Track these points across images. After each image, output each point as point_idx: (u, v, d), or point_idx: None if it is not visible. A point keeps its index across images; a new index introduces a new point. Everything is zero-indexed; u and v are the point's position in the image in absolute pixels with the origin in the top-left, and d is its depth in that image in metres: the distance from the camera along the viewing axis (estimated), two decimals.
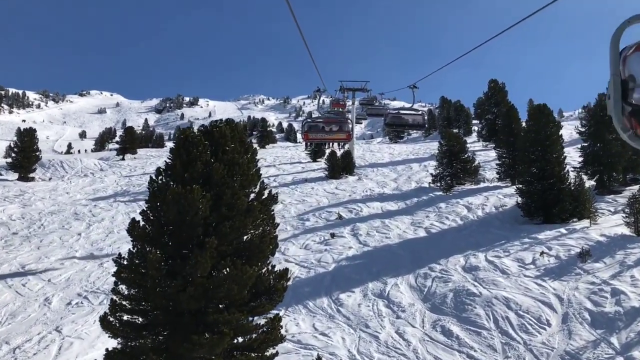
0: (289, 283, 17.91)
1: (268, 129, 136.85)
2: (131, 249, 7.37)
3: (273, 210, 8.49)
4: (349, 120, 19.45)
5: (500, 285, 15.45)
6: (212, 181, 7.21)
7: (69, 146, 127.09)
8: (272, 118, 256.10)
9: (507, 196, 25.76)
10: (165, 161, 8.02)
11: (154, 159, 50.82)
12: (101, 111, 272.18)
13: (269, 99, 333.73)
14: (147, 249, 7.00)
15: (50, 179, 40.11)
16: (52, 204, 30.13)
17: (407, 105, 39.95)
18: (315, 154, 45.39)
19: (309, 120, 19.26)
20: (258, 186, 8.15)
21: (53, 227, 25.57)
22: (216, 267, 7.07)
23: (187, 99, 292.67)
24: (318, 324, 14.46)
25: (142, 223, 7.36)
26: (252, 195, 7.99)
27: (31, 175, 40.50)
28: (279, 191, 31.74)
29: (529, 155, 22.07)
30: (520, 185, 22.24)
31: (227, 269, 6.99)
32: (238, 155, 7.56)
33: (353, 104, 38.85)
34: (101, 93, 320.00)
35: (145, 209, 7.44)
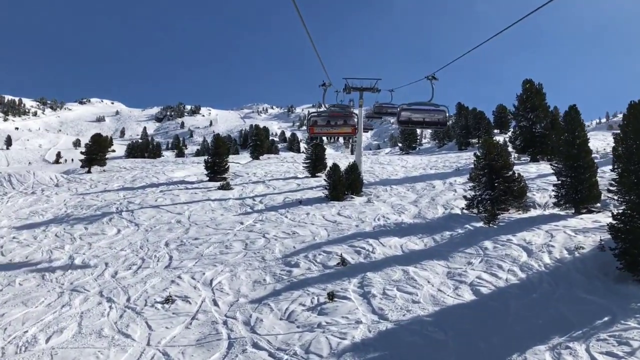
0: None
1: (270, 138, 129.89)
2: None
3: None
4: (354, 114, 18.82)
5: None
6: None
7: (58, 155, 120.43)
8: (275, 127, 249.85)
9: (579, 232, 18.30)
10: None
11: (126, 172, 43.53)
12: (100, 119, 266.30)
13: (272, 108, 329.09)
14: None
15: None
16: None
17: None
18: (314, 168, 37.96)
19: (314, 113, 19.29)
20: None
21: None
22: None
23: (188, 107, 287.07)
24: None
25: None
26: None
27: None
28: (263, 217, 24.40)
29: (628, 175, 14.61)
30: (615, 221, 14.73)
31: None
32: None
33: (361, 106, 31.55)
34: (102, 101, 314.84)
35: None
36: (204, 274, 16.80)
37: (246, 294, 15.13)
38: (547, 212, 22.27)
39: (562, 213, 21.53)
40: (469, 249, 17.75)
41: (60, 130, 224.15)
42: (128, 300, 14.87)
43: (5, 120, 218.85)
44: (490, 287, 14.46)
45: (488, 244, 17.97)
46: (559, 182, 21.84)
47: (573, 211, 21.41)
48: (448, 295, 14.10)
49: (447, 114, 17.47)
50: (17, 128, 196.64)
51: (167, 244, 20.27)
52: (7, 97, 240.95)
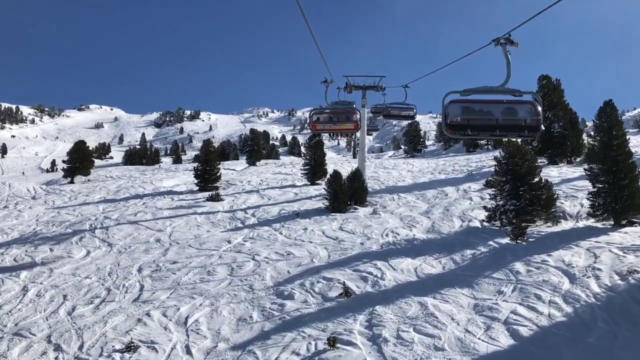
0: None
1: (270, 142, 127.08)
2: None
3: None
4: (357, 111, 19.18)
5: None
6: None
7: (53, 163, 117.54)
8: (276, 131, 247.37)
9: (627, 250, 15.39)
10: None
11: (112, 181, 40.69)
12: (98, 126, 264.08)
13: (273, 112, 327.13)
14: None
15: None
16: None
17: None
18: (313, 175, 35.07)
19: (316, 110, 19.53)
20: None
21: None
22: None
23: (187, 112, 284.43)
24: None
25: None
26: None
27: None
28: (254, 234, 21.50)
29: None
30: None
31: None
32: None
33: (363, 106, 28.61)
34: (100, 107, 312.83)
35: None
36: (178, 309, 13.89)
37: (227, 337, 12.20)
38: (580, 224, 19.36)
39: (600, 225, 18.63)
40: (496, 272, 14.82)
41: (57, 138, 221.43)
42: (80, 348, 11.96)
43: (2, 128, 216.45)
44: (531, 326, 11.51)
45: (519, 266, 15.04)
46: (595, 189, 18.92)
47: (612, 223, 18.49)
48: (479, 338, 11.15)
49: (539, 109, 9.78)
50: (13, 136, 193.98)
51: (140, 270, 17.35)
52: (4, 105, 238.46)
